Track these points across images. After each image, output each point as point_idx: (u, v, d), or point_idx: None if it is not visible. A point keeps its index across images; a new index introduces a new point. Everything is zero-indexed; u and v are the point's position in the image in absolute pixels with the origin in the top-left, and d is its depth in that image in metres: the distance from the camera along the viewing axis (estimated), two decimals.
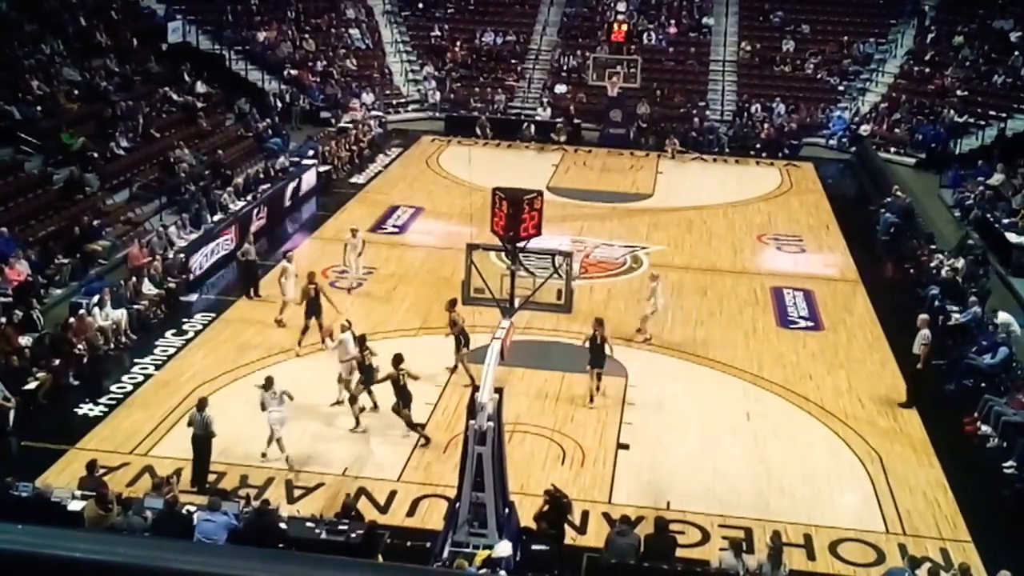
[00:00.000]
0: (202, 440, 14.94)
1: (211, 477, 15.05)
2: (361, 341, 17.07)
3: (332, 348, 17.59)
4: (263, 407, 15.52)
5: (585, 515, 14.58)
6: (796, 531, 14.44)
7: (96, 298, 19.64)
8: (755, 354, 20.07)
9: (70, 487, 14.06)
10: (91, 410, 17.17)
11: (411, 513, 14.62)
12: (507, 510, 13.24)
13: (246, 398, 16.75)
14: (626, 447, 16.52)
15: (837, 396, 18.52)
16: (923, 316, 19.19)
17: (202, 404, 15.18)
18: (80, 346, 18.48)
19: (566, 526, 13.62)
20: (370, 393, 16.99)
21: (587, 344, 17.83)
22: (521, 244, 13.09)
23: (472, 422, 12.43)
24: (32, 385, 17.16)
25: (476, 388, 12.70)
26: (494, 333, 13.18)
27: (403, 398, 16.26)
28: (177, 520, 13.08)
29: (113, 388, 17.96)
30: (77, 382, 18.10)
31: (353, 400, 16.84)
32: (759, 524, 14.46)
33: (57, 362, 17.88)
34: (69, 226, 23.30)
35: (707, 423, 17.44)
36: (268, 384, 15.65)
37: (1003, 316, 20.18)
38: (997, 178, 29.97)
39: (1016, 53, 36.77)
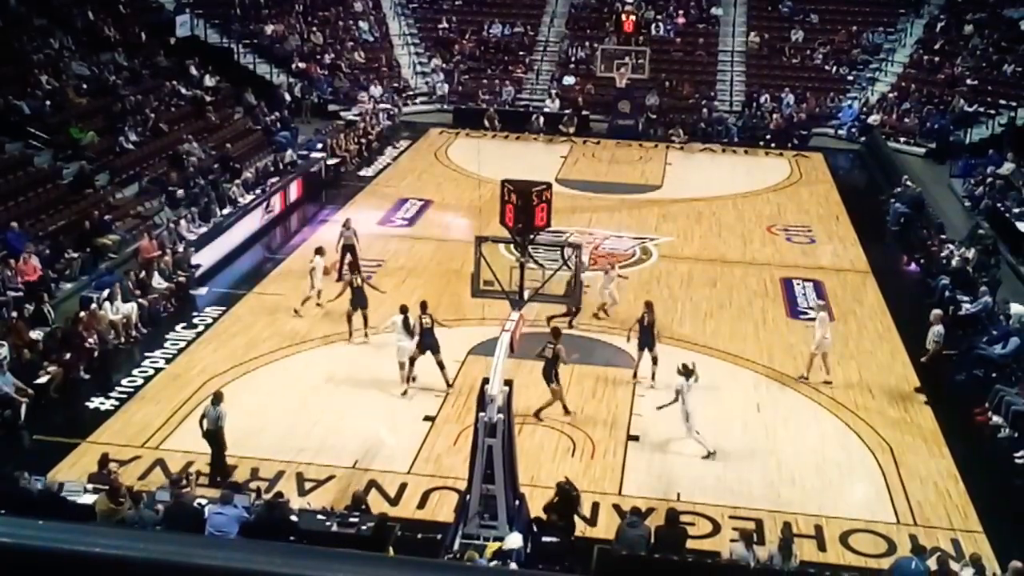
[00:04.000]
0: (214, 434, 14.97)
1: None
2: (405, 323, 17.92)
3: (386, 329, 18.27)
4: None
5: (596, 507, 14.57)
6: (807, 522, 14.42)
7: (106, 292, 19.69)
8: (765, 345, 20.04)
9: (81, 481, 14.11)
10: (102, 404, 17.22)
11: (422, 505, 14.64)
12: (517, 502, 13.26)
13: (254, 392, 16.81)
14: (636, 439, 16.52)
15: (847, 387, 18.47)
16: (936, 312, 19.13)
17: (217, 399, 15.13)
18: (91, 340, 18.52)
19: (576, 518, 13.63)
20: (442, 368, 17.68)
21: (636, 326, 18.34)
22: (530, 236, 13.08)
23: (482, 414, 12.44)
24: (43, 379, 17.19)
25: (486, 380, 12.70)
26: (503, 325, 13.18)
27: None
28: (188, 513, 13.12)
29: (124, 382, 18.01)
30: (88, 376, 18.15)
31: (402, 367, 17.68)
32: (770, 515, 14.44)
33: (68, 356, 17.91)
34: (79, 220, 23.36)
35: (717, 415, 17.40)
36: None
37: (1016, 307, 20.09)
38: (1007, 167, 29.84)
39: None
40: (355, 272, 20.94)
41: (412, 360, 17.64)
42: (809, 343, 18.94)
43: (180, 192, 26.47)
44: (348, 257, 22.31)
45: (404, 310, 17.88)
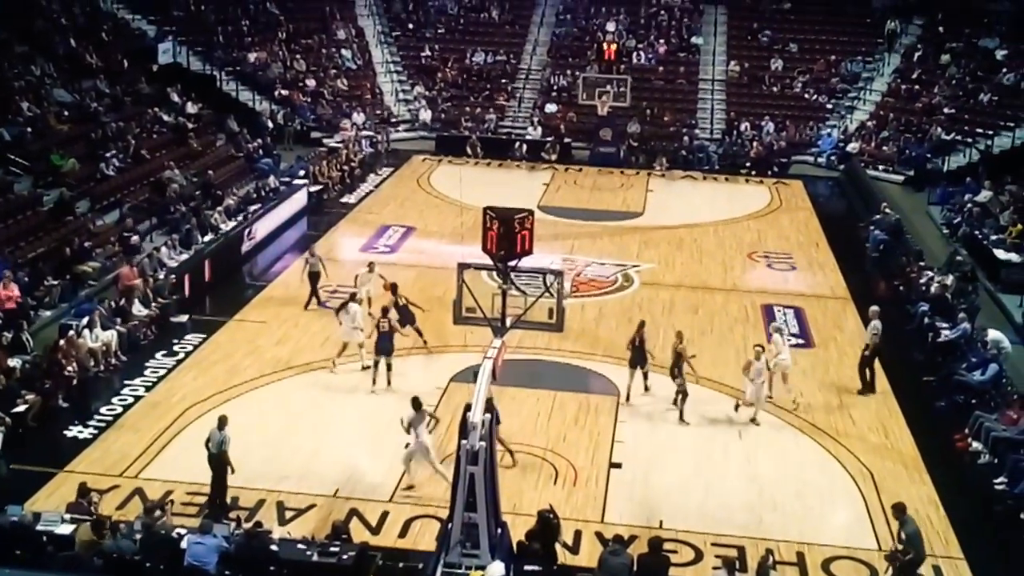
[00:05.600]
0: (216, 458, 14.84)
1: (204, 499, 14.97)
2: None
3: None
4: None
5: (578, 535, 14.54)
6: (789, 549, 14.42)
7: (86, 319, 19.59)
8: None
9: (59, 510, 13.97)
10: (80, 432, 17.09)
11: (403, 534, 14.56)
12: (499, 530, 13.20)
13: (234, 420, 16.71)
14: (618, 466, 16.50)
15: (828, 413, 18.53)
16: (874, 308, 19.81)
17: (222, 422, 14.98)
18: (70, 368, 18.41)
19: (557, 546, 13.59)
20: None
21: (628, 346, 18.71)
22: (512, 263, 13.10)
23: (464, 442, 12.41)
24: (21, 408, 17.05)
25: (468, 408, 12.68)
26: (486, 352, 13.18)
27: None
28: (165, 543, 13.01)
29: (103, 410, 17.89)
30: (67, 404, 18.00)
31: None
32: (752, 542, 14.43)
33: (46, 384, 17.79)
34: (59, 247, 23.25)
35: (699, 441, 17.44)
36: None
37: (993, 333, 20.24)
38: (985, 195, 30.11)
39: (1003, 71, 37.06)
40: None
41: (376, 367, 18.53)
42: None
43: (154, 220, 26.43)
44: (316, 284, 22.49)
45: (384, 311, 18.68)
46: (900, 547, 13.42)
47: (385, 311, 18.97)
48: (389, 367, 18.64)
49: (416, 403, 15.55)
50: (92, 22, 35.85)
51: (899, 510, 13.66)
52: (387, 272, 22.30)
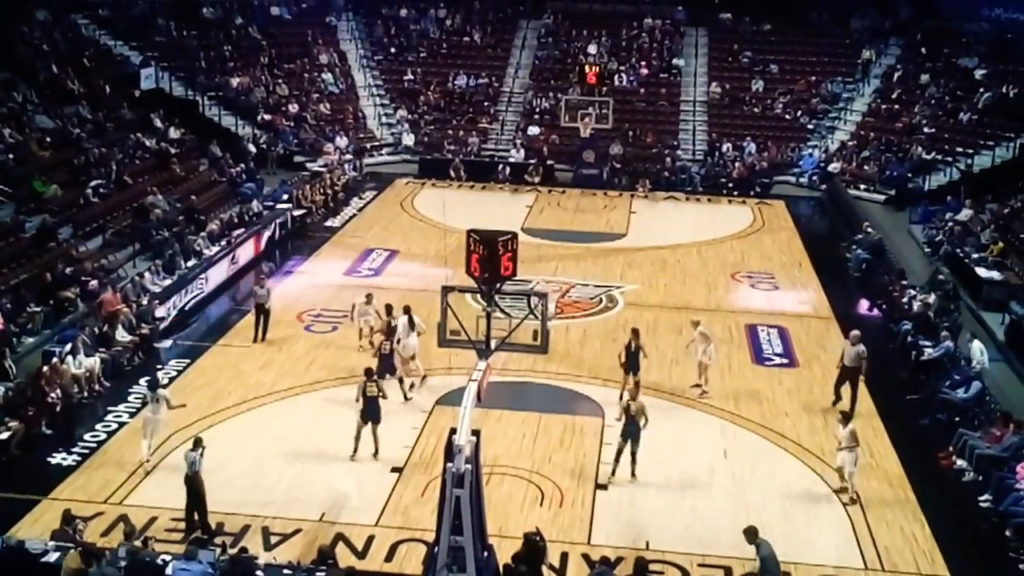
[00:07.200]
0: (188, 480, 14.81)
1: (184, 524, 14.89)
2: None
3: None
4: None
5: (564, 557, 14.52)
6: None
7: (69, 346, 19.48)
8: (731, 392, 20.13)
9: (43, 538, 13.88)
10: (64, 459, 16.98)
11: (389, 558, 14.51)
12: (486, 553, 13.16)
13: (219, 445, 16.67)
14: (604, 487, 16.49)
15: (813, 432, 18.58)
16: (856, 332, 19.70)
17: (196, 443, 15.10)
18: (53, 395, 18.30)
19: (544, 569, 13.55)
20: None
21: (623, 354, 19.17)
22: (496, 286, 13.13)
23: (450, 465, 12.39)
24: (4, 435, 16.95)
25: (453, 431, 12.67)
26: (471, 375, 13.18)
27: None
28: (150, 570, 12.92)
29: (86, 437, 17.79)
30: (50, 431, 17.89)
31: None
32: (739, 562, 14.41)
33: (30, 411, 17.68)
34: (41, 273, 23.14)
35: (685, 462, 17.44)
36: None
37: (976, 344, 20.37)
38: (966, 213, 30.36)
39: (981, 90, 37.42)
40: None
41: (358, 435, 17.11)
42: (775, 388, 19.74)
43: (139, 245, 26.33)
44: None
45: (368, 373, 17.55)
46: (756, 571, 13.49)
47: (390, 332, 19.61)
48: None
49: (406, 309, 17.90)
50: (74, 48, 35.86)
51: (751, 534, 13.65)
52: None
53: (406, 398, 19.07)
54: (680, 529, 15.39)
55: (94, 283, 23.13)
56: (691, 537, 15.15)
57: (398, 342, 19.38)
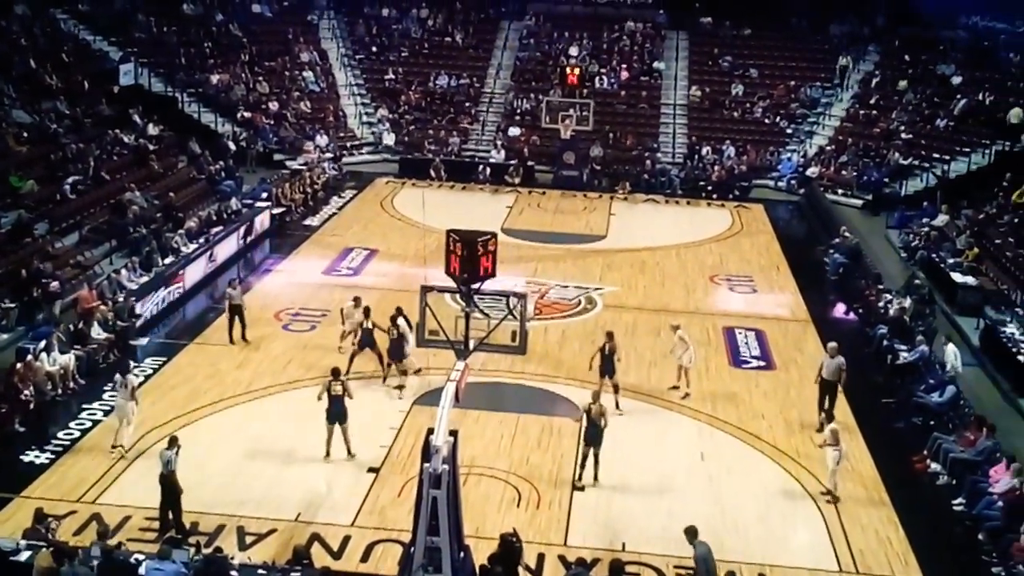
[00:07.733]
0: (163, 479, 14.72)
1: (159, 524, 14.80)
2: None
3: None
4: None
5: (541, 558, 14.52)
6: (751, 571, 14.48)
7: (43, 343, 19.33)
8: (708, 394, 20.18)
9: (14, 537, 13.76)
10: (37, 457, 16.84)
11: (365, 559, 14.47)
12: (462, 554, 13.15)
13: (195, 444, 16.58)
14: (581, 489, 16.50)
15: (789, 435, 18.66)
16: (833, 344, 19.51)
17: (171, 442, 15.03)
18: (27, 392, 18.16)
19: (520, 570, 13.55)
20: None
21: (596, 356, 19.07)
22: (475, 286, 13.12)
23: (427, 465, 12.37)
24: None
25: (431, 431, 12.66)
26: (449, 375, 13.17)
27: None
28: (124, 569, 12.83)
29: (60, 434, 17.65)
30: (23, 429, 17.76)
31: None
32: (717, 564, 14.43)
33: (3, 408, 17.54)
34: (15, 270, 22.95)
35: (662, 464, 17.48)
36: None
37: (951, 348, 20.49)
38: (941, 219, 30.61)
39: (958, 97, 37.71)
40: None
41: (329, 436, 16.97)
42: (752, 390, 19.86)
43: (115, 241, 26.14)
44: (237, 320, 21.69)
45: (335, 373, 17.38)
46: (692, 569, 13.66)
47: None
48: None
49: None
50: (52, 43, 35.56)
51: (691, 533, 13.72)
52: (351, 295, 22.18)
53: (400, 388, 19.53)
54: (657, 531, 15.41)
55: (55, 284, 22.84)
56: (667, 538, 15.14)
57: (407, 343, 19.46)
